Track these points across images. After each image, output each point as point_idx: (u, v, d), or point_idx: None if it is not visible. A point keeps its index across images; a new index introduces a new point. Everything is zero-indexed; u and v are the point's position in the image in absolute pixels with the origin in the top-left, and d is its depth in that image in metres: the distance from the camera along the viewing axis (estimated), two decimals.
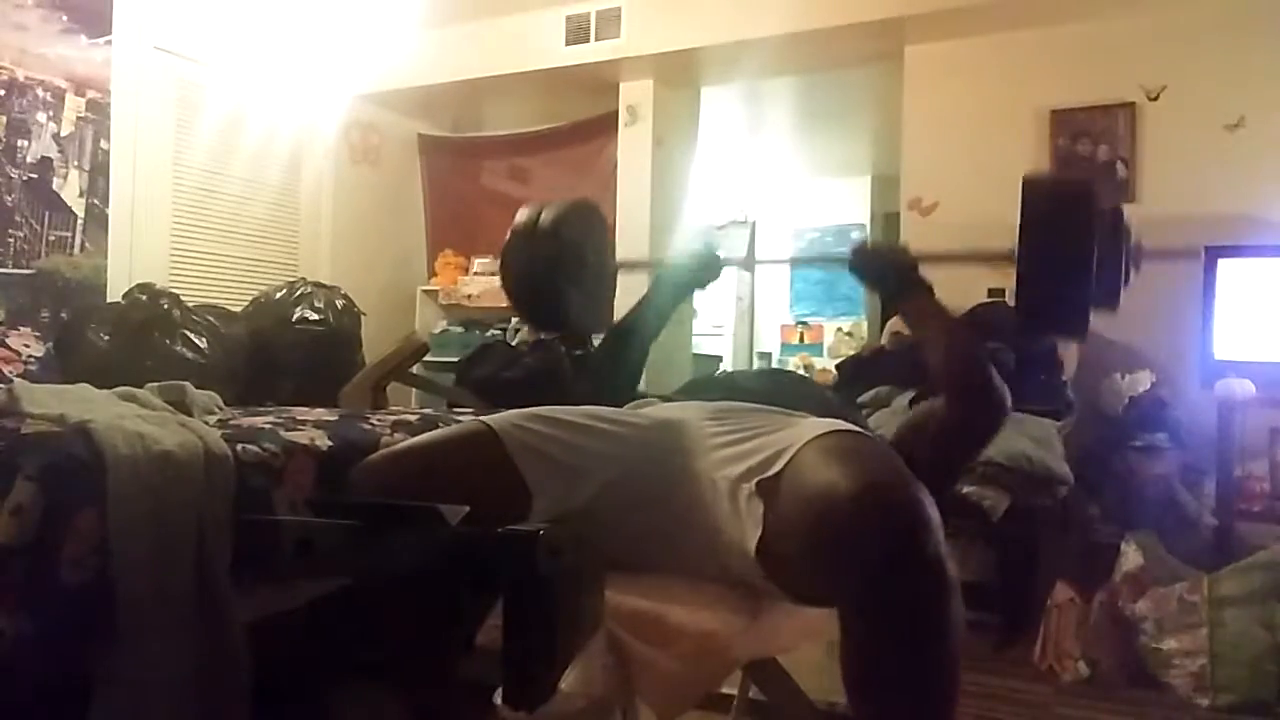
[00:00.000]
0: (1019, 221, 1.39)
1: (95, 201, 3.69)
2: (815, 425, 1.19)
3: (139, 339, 3.01)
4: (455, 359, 4.31)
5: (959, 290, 3.55)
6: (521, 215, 1.68)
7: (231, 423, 1.32)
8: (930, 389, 1.59)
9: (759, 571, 1.14)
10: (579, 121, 4.88)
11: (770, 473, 1.13)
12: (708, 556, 1.19)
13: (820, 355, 7.21)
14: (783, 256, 7.37)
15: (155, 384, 1.41)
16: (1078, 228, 1.35)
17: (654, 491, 1.23)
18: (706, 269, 1.74)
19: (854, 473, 1.01)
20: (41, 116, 3.51)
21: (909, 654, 0.94)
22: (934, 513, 0.97)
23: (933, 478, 1.19)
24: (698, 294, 1.90)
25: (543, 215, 1.64)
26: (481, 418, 1.31)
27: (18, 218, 3.44)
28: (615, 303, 1.90)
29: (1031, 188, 1.41)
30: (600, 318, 1.79)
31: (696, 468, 1.23)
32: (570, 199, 1.74)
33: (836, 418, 1.29)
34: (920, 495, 0.98)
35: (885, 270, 1.56)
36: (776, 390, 1.45)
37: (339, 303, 3.49)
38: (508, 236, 1.67)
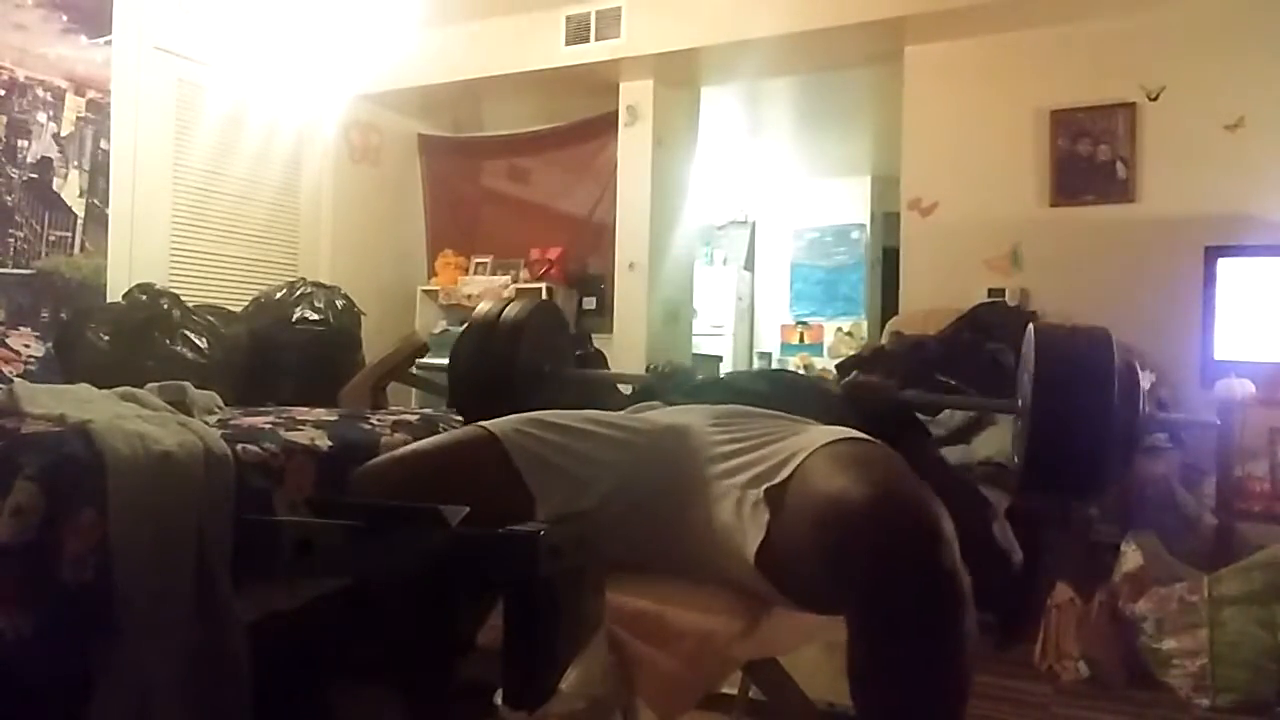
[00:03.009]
0: (1031, 373, 1.30)
1: (95, 201, 3.69)
2: (825, 433, 1.18)
3: (139, 339, 3.01)
4: None
5: (959, 291, 3.58)
6: (481, 309, 1.65)
7: (231, 423, 1.32)
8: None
9: (759, 578, 1.13)
10: (579, 121, 4.88)
11: (777, 480, 1.12)
12: (707, 562, 1.19)
13: (820, 355, 7.20)
14: (780, 274, 7.44)
15: (155, 384, 1.41)
16: (1094, 374, 1.25)
17: (658, 498, 1.23)
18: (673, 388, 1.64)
19: (869, 480, 1.00)
20: (41, 116, 3.51)
21: (919, 665, 0.93)
22: (949, 525, 0.95)
23: None
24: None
25: (504, 314, 1.61)
26: (482, 423, 1.30)
27: (18, 218, 3.44)
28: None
29: (1045, 338, 1.32)
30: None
31: (701, 475, 1.22)
32: (533, 300, 1.72)
33: (840, 419, 1.28)
34: (936, 507, 0.97)
35: (879, 409, 1.48)
36: (779, 393, 1.44)
37: (339, 303, 3.49)
38: (463, 328, 1.64)
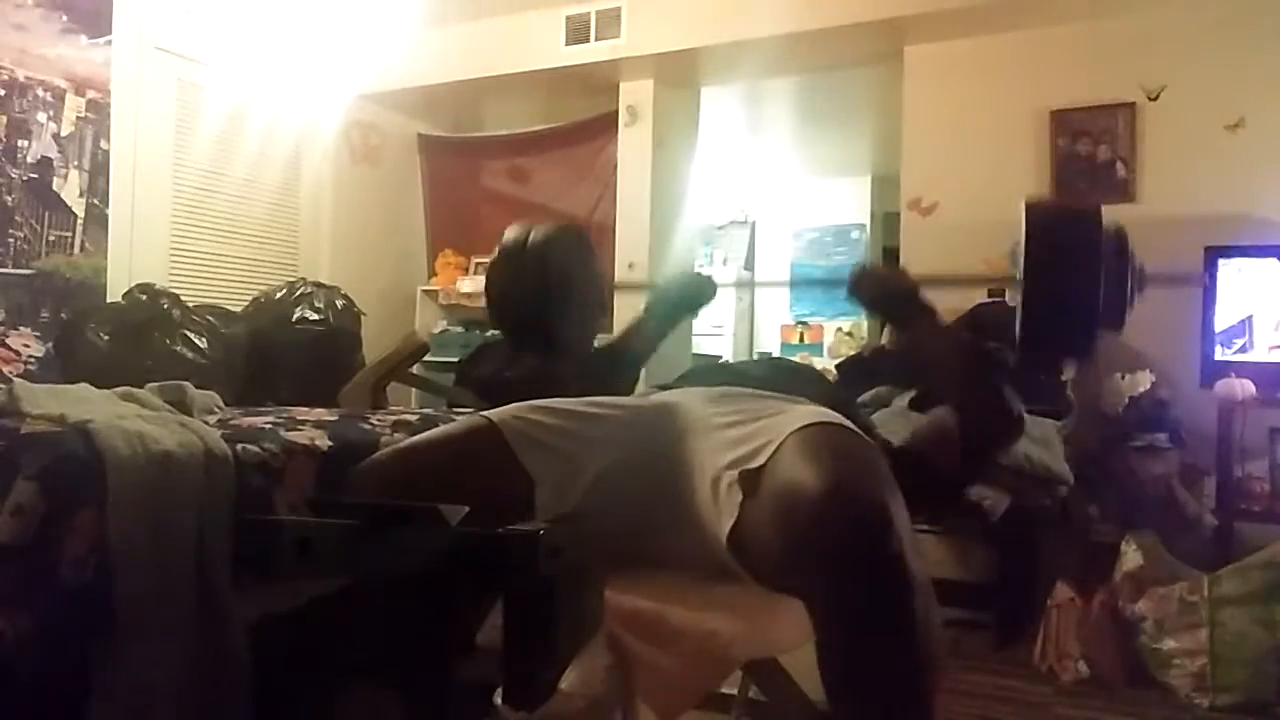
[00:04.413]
0: (1023, 246, 1.38)
1: (95, 201, 3.69)
2: (801, 415, 1.21)
3: (139, 339, 3.02)
4: (455, 359, 4.31)
5: (959, 291, 3.58)
6: (509, 235, 1.66)
7: (231, 423, 1.32)
8: (937, 400, 1.58)
9: (730, 559, 1.16)
10: (579, 121, 4.88)
11: (754, 464, 1.15)
12: (696, 538, 1.22)
13: (820, 355, 7.20)
14: (780, 274, 7.45)
15: (155, 384, 1.41)
16: (1083, 253, 1.34)
17: (652, 473, 1.26)
18: (699, 292, 1.76)
19: (824, 470, 1.04)
20: (41, 116, 3.51)
21: (873, 650, 0.97)
22: (899, 511, 1.00)
23: (952, 484, 1.16)
24: (690, 314, 1.86)
25: (530, 236, 1.63)
26: (482, 413, 1.33)
27: (18, 218, 3.44)
28: (614, 319, 1.89)
29: (1035, 212, 1.40)
30: (585, 341, 1.77)
31: (693, 450, 1.25)
32: (558, 222, 1.74)
33: (833, 406, 1.30)
34: (884, 494, 1.01)
35: (886, 295, 1.54)
36: (776, 377, 1.47)
37: (339, 303, 3.49)
38: (494, 255, 1.66)
